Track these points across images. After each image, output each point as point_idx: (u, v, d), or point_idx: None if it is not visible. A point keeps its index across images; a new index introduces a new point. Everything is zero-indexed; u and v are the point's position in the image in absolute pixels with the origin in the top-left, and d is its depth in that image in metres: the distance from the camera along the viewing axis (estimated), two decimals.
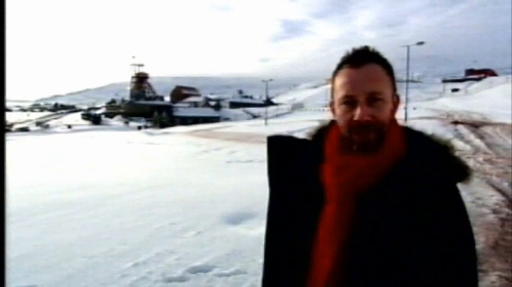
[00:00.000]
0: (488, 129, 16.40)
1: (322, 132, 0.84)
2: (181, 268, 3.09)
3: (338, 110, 0.76)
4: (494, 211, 4.93)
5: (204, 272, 3.00)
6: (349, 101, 0.72)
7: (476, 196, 5.68)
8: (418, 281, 0.67)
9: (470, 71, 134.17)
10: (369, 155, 0.71)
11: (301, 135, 0.90)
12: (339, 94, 0.74)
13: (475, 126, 17.91)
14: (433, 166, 0.72)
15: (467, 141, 13.24)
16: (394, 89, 0.77)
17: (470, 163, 8.89)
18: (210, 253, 3.39)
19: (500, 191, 6.15)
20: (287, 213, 0.80)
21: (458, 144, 12.66)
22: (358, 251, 0.69)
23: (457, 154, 0.77)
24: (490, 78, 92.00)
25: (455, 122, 19.89)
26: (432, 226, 0.68)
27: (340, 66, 0.76)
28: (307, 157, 0.81)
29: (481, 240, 3.81)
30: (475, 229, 4.02)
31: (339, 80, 0.75)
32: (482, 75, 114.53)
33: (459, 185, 0.75)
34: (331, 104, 0.81)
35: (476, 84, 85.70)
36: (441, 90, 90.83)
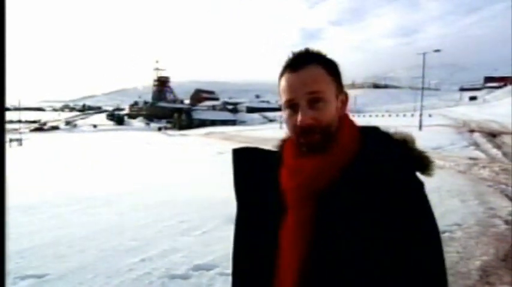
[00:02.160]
0: (506, 139, 15.90)
1: (286, 142, 0.84)
2: (185, 265, 3.18)
3: (284, 115, 0.76)
4: (507, 222, 4.79)
5: (206, 271, 3.07)
6: (292, 105, 0.72)
7: (489, 206, 5.53)
8: (380, 282, 0.65)
9: (489, 79, 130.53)
10: (319, 155, 0.71)
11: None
12: (282, 99, 0.74)
13: (492, 135, 17.40)
14: (388, 158, 0.70)
15: (483, 151, 12.87)
16: (340, 87, 0.76)
17: (485, 172, 8.65)
18: (213, 253, 3.46)
19: None
20: (253, 223, 0.80)
21: (473, 153, 12.33)
22: (320, 253, 0.68)
23: (415, 146, 0.74)
24: (510, 87, 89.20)
25: (472, 131, 19.40)
26: (392, 222, 0.65)
27: (282, 71, 0.76)
28: (271, 167, 0.81)
29: (491, 252, 3.72)
30: (485, 240, 3.99)
31: (281, 85, 0.75)
32: (502, 83, 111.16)
33: (427, 179, 0.73)
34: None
35: (495, 92, 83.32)
36: (458, 98, 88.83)
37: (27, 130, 63.06)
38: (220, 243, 3.74)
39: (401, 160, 0.71)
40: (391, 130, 0.80)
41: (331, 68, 0.74)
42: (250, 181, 0.84)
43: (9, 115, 73.44)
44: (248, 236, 0.81)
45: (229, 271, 2.90)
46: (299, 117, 0.70)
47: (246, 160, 0.86)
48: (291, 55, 0.75)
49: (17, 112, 71.15)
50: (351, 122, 0.78)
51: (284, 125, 0.82)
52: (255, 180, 0.83)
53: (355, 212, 0.67)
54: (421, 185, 0.70)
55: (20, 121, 56.01)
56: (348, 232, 0.66)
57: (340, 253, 0.67)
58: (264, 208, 0.79)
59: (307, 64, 0.72)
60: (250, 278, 0.80)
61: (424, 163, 0.72)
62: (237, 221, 0.85)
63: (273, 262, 0.75)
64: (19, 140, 32.40)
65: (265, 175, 0.81)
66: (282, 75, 0.76)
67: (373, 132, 0.77)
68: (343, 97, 0.77)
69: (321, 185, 0.70)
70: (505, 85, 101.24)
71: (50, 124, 78.38)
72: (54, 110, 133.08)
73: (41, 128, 72.94)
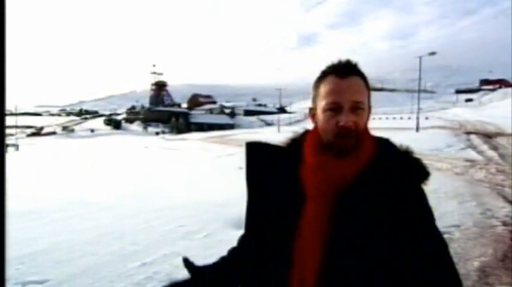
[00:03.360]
0: (502, 140, 16.04)
1: (297, 140, 0.91)
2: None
3: (322, 116, 0.81)
4: (504, 223, 4.82)
5: None
6: (335, 108, 0.78)
7: (486, 207, 5.57)
8: (394, 273, 0.73)
9: (484, 81, 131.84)
10: (345, 157, 0.79)
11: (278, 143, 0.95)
12: (325, 101, 0.80)
13: (488, 136, 17.54)
14: (400, 164, 0.81)
15: (480, 152, 12.96)
16: (369, 100, 0.84)
17: (482, 173, 8.72)
18: (214, 256, 3.42)
19: (511, 203, 6.02)
20: (266, 215, 0.84)
21: (470, 154, 12.42)
22: (339, 245, 0.74)
23: (417, 156, 0.85)
24: (504, 89, 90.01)
25: (468, 132, 19.55)
26: (402, 219, 0.75)
27: (324, 75, 0.82)
28: (285, 161, 0.87)
29: (489, 252, 3.75)
30: (483, 241, 4.02)
31: (325, 88, 0.80)
32: (497, 85, 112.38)
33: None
34: (312, 110, 0.87)
35: (490, 95, 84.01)
36: (454, 101, 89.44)
37: (23, 135, 62.77)
38: (221, 247, 3.73)
39: (410, 168, 0.81)
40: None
41: (366, 81, 0.83)
42: (262, 173, 0.89)
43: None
44: (261, 225, 0.85)
45: None
46: (343, 118, 0.77)
47: (258, 153, 0.92)
48: (335, 62, 0.82)
49: (13, 117, 70.82)
50: (370, 132, 0.87)
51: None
52: (267, 172, 0.88)
53: (369, 210, 0.75)
54: (423, 189, 0.81)
55: (16, 126, 55.67)
56: (363, 226, 0.74)
57: (356, 245, 0.74)
58: (277, 199, 0.84)
59: (353, 74, 0.80)
60: (264, 270, 0.83)
61: (425, 172, 0.82)
62: (249, 211, 0.89)
63: (289, 252, 0.79)
64: (16, 146, 32.26)
65: (277, 168, 0.87)
66: (323, 79, 0.82)
67: (385, 142, 0.87)
68: (369, 109, 0.85)
69: (342, 183, 0.78)
70: (500, 87, 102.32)
71: (46, 129, 78.02)
72: (51, 115, 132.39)
73: (37, 133, 72.62)
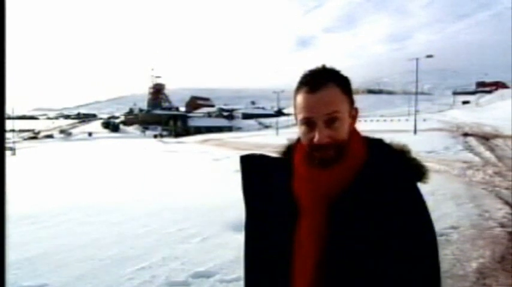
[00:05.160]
0: (499, 142, 16.11)
1: (291, 149, 0.89)
2: (185, 273, 3.18)
3: (300, 130, 0.80)
4: (502, 225, 4.84)
5: (206, 278, 3.07)
6: (308, 123, 0.76)
7: (484, 209, 5.59)
8: (388, 282, 0.71)
9: (481, 84, 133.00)
10: (331, 168, 0.76)
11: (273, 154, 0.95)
12: (299, 116, 0.78)
13: (485, 138, 17.62)
14: (392, 168, 0.77)
15: (477, 154, 13.02)
16: (352, 103, 0.80)
17: (479, 175, 8.75)
18: (213, 260, 3.46)
19: (509, 204, 6.03)
20: (264, 227, 0.84)
21: (467, 156, 12.46)
22: (333, 257, 0.73)
23: (413, 155, 0.81)
24: (501, 91, 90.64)
25: (465, 134, 19.65)
26: (397, 225, 0.72)
27: (299, 87, 0.79)
28: (279, 173, 0.86)
29: (487, 254, 3.76)
30: (481, 242, 4.04)
31: (298, 102, 0.78)
32: (494, 87, 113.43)
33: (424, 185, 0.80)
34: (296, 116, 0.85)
35: (487, 97, 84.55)
36: (451, 103, 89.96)
37: (20, 139, 62.51)
38: (219, 250, 3.74)
39: (403, 169, 0.78)
40: (387, 137, 0.87)
41: (345, 86, 0.78)
42: (258, 186, 0.89)
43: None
44: (261, 239, 0.85)
45: (229, 277, 2.89)
46: (316, 136, 0.74)
47: (253, 166, 0.91)
48: (308, 72, 0.78)
49: (10, 121, 70.47)
50: (359, 135, 0.84)
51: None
52: (263, 185, 0.88)
53: (364, 215, 0.73)
54: (419, 191, 0.77)
55: (13, 130, 55.37)
56: (358, 232, 0.73)
57: (352, 251, 0.72)
58: (274, 211, 0.83)
59: (324, 85, 0.75)
60: (264, 279, 0.84)
61: (421, 171, 0.80)
62: (247, 225, 0.89)
63: (287, 263, 0.79)
64: (12, 150, 32.08)
65: (273, 181, 0.86)
66: (298, 91, 0.79)
67: (377, 143, 0.83)
68: (353, 112, 0.82)
69: (333, 192, 0.76)
70: (496, 89, 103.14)
71: (44, 133, 77.74)
72: (48, 118, 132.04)
73: (34, 137, 72.34)
